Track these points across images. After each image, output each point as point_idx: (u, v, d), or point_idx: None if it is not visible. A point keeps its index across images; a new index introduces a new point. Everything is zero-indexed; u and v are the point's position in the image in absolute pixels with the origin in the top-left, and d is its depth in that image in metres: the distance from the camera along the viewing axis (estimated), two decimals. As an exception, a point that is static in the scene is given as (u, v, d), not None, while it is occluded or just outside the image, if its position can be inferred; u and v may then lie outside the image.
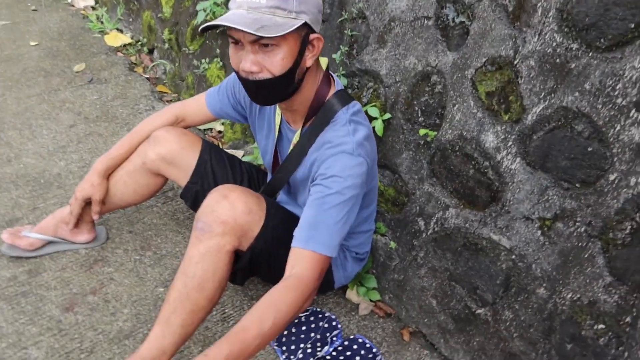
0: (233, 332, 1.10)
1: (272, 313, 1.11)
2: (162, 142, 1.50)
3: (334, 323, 1.53)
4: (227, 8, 2.15)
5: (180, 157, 1.51)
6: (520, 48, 1.24)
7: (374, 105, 1.59)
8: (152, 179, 1.58)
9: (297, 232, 1.19)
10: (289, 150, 1.34)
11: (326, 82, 1.26)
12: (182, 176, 1.53)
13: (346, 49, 1.65)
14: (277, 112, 1.37)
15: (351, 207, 1.20)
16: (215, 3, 2.16)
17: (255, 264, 1.31)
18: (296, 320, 1.52)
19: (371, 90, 1.63)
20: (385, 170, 1.62)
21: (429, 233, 1.50)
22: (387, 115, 1.56)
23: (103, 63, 2.78)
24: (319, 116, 1.25)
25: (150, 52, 2.89)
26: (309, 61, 1.15)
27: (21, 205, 1.87)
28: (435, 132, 1.45)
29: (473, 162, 1.38)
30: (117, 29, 3.02)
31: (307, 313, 1.55)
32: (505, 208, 1.33)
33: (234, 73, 1.48)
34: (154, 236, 1.81)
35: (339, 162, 1.18)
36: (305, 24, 1.08)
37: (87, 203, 1.59)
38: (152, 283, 1.64)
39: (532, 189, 1.27)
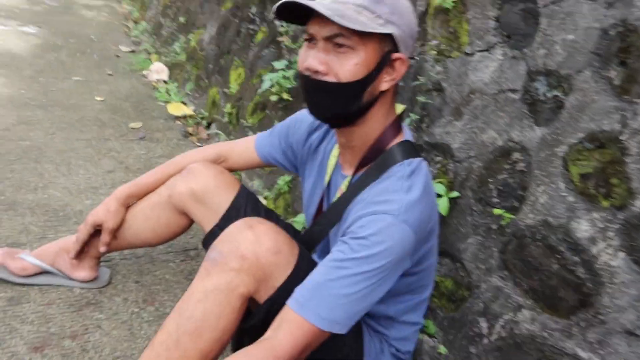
0: None
1: None
2: (196, 176, 1.33)
3: None
4: (294, 82, 2.13)
5: (212, 196, 1.32)
6: (629, 122, 1.06)
7: (440, 182, 1.39)
8: (175, 217, 1.38)
9: (297, 290, 0.95)
10: (335, 199, 1.13)
11: (395, 127, 1.07)
12: (209, 219, 1.32)
13: (417, 117, 1.51)
14: (332, 154, 1.19)
15: (375, 282, 0.93)
16: (283, 77, 2.14)
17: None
18: None
19: (439, 165, 1.45)
20: (444, 257, 1.36)
21: (492, 339, 1.19)
22: (455, 194, 1.36)
23: (160, 126, 2.77)
24: (375, 164, 1.04)
25: (209, 126, 2.89)
26: (385, 84, 0.99)
27: (30, 232, 1.69)
28: (513, 216, 1.22)
29: (558, 256, 1.13)
30: (182, 102, 3.08)
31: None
32: (600, 317, 1.04)
33: (288, 118, 1.36)
34: (162, 292, 1.56)
35: (375, 223, 0.93)
36: (391, 38, 0.95)
37: (97, 233, 1.40)
38: (143, 341, 1.35)
39: (639, 295, 0.99)
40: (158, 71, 3.47)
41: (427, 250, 1.09)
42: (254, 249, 0.97)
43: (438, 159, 1.45)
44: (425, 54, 1.54)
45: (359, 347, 1.15)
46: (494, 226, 1.26)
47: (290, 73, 2.13)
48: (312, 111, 1.03)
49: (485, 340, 1.20)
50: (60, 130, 2.47)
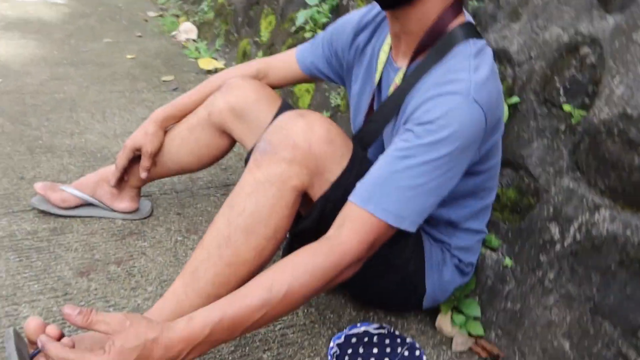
0: (232, 295, 0.79)
1: (288, 278, 0.79)
2: (234, 90, 1.25)
3: (417, 353, 1.09)
4: (330, 16, 2.03)
5: (252, 111, 1.24)
6: None
7: (497, 89, 1.28)
8: (215, 137, 1.31)
9: (359, 184, 0.87)
10: (388, 94, 1.03)
11: (456, 7, 0.96)
12: (251, 135, 1.24)
13: (469, 23, 1.40)
14: (382, 50, 1.09)
15: (445, 172, 0.85)
16: (317, 12, 2.04)
17: (325, 227, 0.89)
18: (366, 339, 1.11)
19: (494, 73, 1.33)
20: (505, 168, 1.26)
21: (566, 244, 1.09)
22: (515, 99, 1.25)
23: (192, 79, 2.72)
24: (435, 48, 0.94)
25: (239, 79, 2.82)
26: None
27: (68, 171, 1.66)
28: (584, 113, 1.11)
29: (640, 149, 1.01)
30: (212, 58, 3.02)
31: (382, 330, 1.12)
32: (694, 208, 0.93)
33: (331, 24, 1.26)
34: (205, 222, 1.51)
35: (443, 105, 0.83)
36: None
37: (136, 161, 1.35)
38: (188, 266, 1.31)
39: None
40: (187, 31, 3.41)
41: (494, 143, 1.00)
42: (306, 137, 0.90)
43: (494, 66, 1.33)
44: (475, -42, 1.42)
45: (420, 256, 1.08)
46: (562, 127, 1.15)
47: (324, 7, 2.03)
48: None
49: (558, 246, 1.10)
50: (93, 84, 2.44)
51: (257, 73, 1.33)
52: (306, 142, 0.89)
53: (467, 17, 0.99)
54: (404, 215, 0.85)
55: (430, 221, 1.06)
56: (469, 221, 1.09)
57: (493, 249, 1.22)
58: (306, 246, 0.85)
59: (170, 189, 1.65)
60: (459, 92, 0.84)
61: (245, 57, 2.76)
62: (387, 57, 1.07)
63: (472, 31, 0.95)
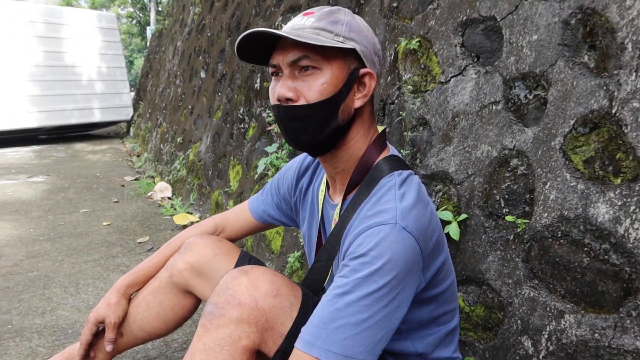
0: None
1: None
2: (193, 249, 1.27)
3: None
4: (287, 160, 2.15)
5: (212, 266, 1.24)
6: (615, 93, 1.03)
7: (446, 209, 1.34)
8: (179, 298, 1.30)
9: (303, 329, 0.85)
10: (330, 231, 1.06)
11: (379, 144, 1.04)
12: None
13: (407, 152, 1.49)
14: (320, 189, 1.15)
15: (388, 303, 0.83)
16: (276, 157, 2.18)
17: None
18: None
19: (440, 194, 1.40)
20: (468, 285, 1.26)
21: (541, 357, 1.05)
22: (463, 216, 1.29)
23: (167, 236, 2.76)
24: (363, 184, 0.99)
25: (214, 228, 2.88)
26: (357, 101, 0.97)
27: (37, 354, 1.60)
28: (527, 220, 1.15)
29: (586, 248, 1.04)
30: (188, 212, 3.11)
31: None
32: (652, 301, 0.93)
33: (276, 174, 1.34)
34: (178, 389, 1.43)
35: (372, 237, 0.85)
36: (356, 55, 0.95)
37: (103, 334, 1.32)
38: None
39: (686, 264, 0.89)
40: (162, 190, 3.55)
41: (440, 265, 0.98)
42: (251, 294, 0.90)
43: (438, 187, 1.40)
44: (404, 94, 1.57)
45: None
46: (511, 236, 1.18)
47: (282, 153, 2.17)
48: (292, 141, 0.99)
49: (536, 361, 1.06)
50: (68, 257, 2.46)
51: (215, 229, 1.36)
52: (252, 299, 0.89)
53: (391, 150, 1.06)
54: (353, 355, 0.81)
55: (398, 357, 1.03)
56: (438, 350, 1.05)
57: (475, 373, 1.17)
58: None
59: (143, 357, 1.59)
60: (386, 222, 0.86)
61: (218, 207, 2.85)
62: (324, 195, 1.12)
63: (397, 162, 1.01)
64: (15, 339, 1.70)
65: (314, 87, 0.91)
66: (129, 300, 1.34)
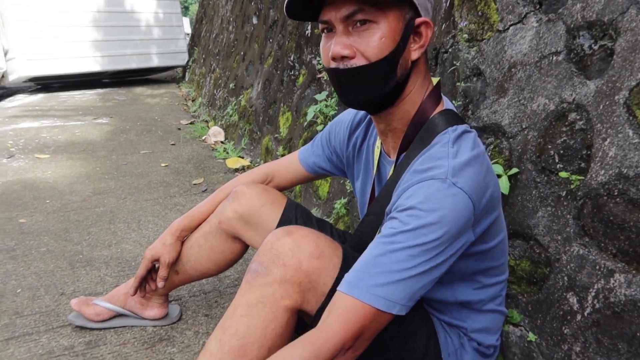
0: None
1: None
2: (240, 198, 1.32)
3: None
4: (336, 108, 2.15)
5: (259, 216, 1.29)
6: (691, 45, 0.96)
7: (496, 162, 1.31)
8: (229, 243, 1.37)
9: (346, 274, 0.87)
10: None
11: (434, 97, 1.02)
12: (260, 239, 1.28)
13: (459, 104, 1.46)
14: (376, 146, 1.15)
15: (433, 257, 0.83)
16: (325, 105, 2.18)
17: None
18: None
19: (492, 147, 1.37)
20: (515, 239, 1.25)
21: (586, 314, 1.05)
22: (514, 170, 1.27)
23: (220, 179, 2.87)
24: (417, 139, 0.98)
25: (265, 173, 2.96)
26: (414, 53, 0.94)
27: (105, 282, 1.76)
28: (582, 177, 1.12)
29: (643, 208, 1.00)
30: (240, 157, 3.20)
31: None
32: None
33: (328, 124, 1.35)
34: (230, 321, 1.54)
35: (422, 190, 0.85)
36: (410, 3, 0.92)
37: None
38: (215, 368, 1.32)
39: None
40: (215, 134, 3.65)
41: (492, 222, 0.97)
42: (295, 256, 0.93)
43: (490, 140, 1.37)
44: (458, 43, 1.51)
45: (436, 348, 1.04)
46: (563, 193, 1.15)
47: (331, 101, 2.17)
48: (351, 102, 0.97)
49: (579, 317, 1.06)
50: (130, 195, 2.63)
51: (265, 177, 1.41)
52: (296, 260, 0.92)
53: (446, 103, 1.04)
54: (393, 299, 0.82)
55: (441, 306, 1.05)
56: (483, 302, 1.07)
57: (516, 325, 1.19)
58: (299, 337, 0.85)
59: (198, 291, 1.71)
60: (436, 177, 0.86)
61: (268, 153, 2.91)
62: (380, 152, 1.13)
63: (452, 117, 0.99)
64: (86, 268, 1.86)
65: (372, 43, 0.89)
66: (183, 242, 1.42)
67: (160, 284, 1.39)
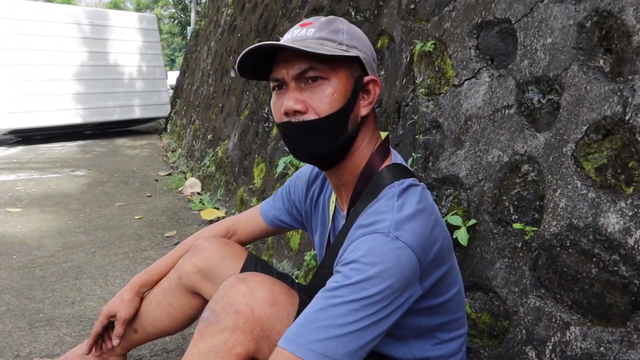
0: None
1: None
2: (200, 252, 1.29)
3: None
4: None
5: (218, 269, 1.26)
6: (630, 99, 1.00)
7: (456, 213, 1.32)
8: (188, 299, 1.33)
9: (288, 329, 0.84)
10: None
11: (382, 151, 1.03)
12: None
13: (418, 155, 1.48)
14: (331, 200, 1.16)
15: (376, 311, 0.81)
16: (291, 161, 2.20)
17: None
18: None
19: (450, 198, 1.38)
20: (475, 291, 1.24)
21: (545, 368, 1.03)
22: (473, 221, 1.27)
23: (194, 231, 2.84)
24: (365, 192, 0.98)
25: (240, 225, 2.94)
26: (364, 109, 0.96)
27: (64, 342, 1.69)
28: (535, 228, 1.13)
29: (595, 259, 1.01)
30: (215, 208, 3.18)
31: None
32: (659, 316, 0.89)
33: (288, 179, 1.36)
34: (191, 382, 1.47)
35: (365, 244, 0.84)
36: (358, 63, 0.95)
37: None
38: None
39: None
40: (192, 185, 3.65)
41: (443, 275, 0.95)
42: (247, 302, 0.91)
43: (449, 191, 1.39)
44: (418, 97, 1.56)
45: None
46: (519, 244, 1.15)
47: (303, 152, 2.19)
48: (302, 155, 0.98)
49: (538, 372, 1.04)
50: (100, 249, 2.57)
51: (227, 231, 1.39)
52: (248, 308, 0.91)
53: (394, 157, 1.05)
54: (331, 356, 0.79)
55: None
56: (443, 357, 1.03)
57: (478, 381, 1.16)
58: None
59: (161, 350, 1.65)
60: (379, 230, 0.85)
61: (243, 204, 2.90)
62: (334, 206, 1.13)
63: (399, 171, 1.00)
64: (46, 327, 1.79)
65: (324, 98, 0.90)
66: (142, 298, 1.38)
67: (115, 341, 1.33)
